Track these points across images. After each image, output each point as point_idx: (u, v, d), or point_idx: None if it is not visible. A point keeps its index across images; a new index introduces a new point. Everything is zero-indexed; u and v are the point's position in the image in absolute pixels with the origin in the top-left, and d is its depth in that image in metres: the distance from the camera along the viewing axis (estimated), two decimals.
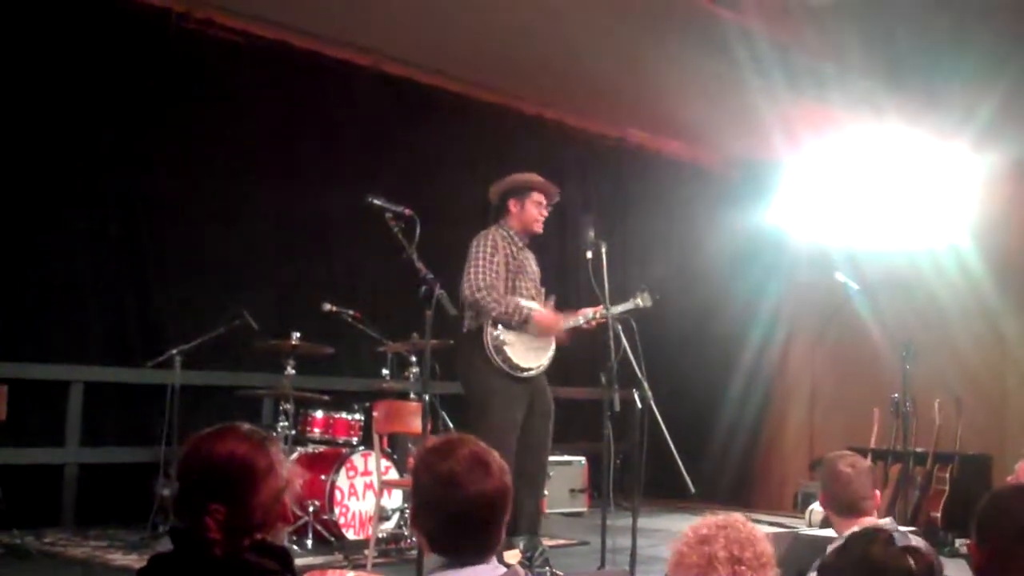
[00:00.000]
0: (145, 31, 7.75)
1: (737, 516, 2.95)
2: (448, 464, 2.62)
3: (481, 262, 6.45)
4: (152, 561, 2.29)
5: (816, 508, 8.24)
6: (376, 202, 5.66)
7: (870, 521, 4.12)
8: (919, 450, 9.01)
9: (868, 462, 4.30)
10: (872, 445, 9.31)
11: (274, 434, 6.58)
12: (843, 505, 4.16)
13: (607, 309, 6.27)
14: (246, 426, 2.42)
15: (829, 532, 4.88)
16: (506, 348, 6.36)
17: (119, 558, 6.31)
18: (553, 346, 6.63)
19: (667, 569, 2.94)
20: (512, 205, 6.67)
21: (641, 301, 6.59)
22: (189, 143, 7.96)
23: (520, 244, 6.68)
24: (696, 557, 2.83)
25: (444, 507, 2.62)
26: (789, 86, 8.68)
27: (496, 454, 2.70)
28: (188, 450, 2.38)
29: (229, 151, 8.13)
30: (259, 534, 2.32)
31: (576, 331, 6.66)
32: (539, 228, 6.71)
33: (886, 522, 4.15)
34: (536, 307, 6.56)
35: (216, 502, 2.30)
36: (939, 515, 8.69)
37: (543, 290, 6.81)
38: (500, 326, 6.38)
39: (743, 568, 2.80)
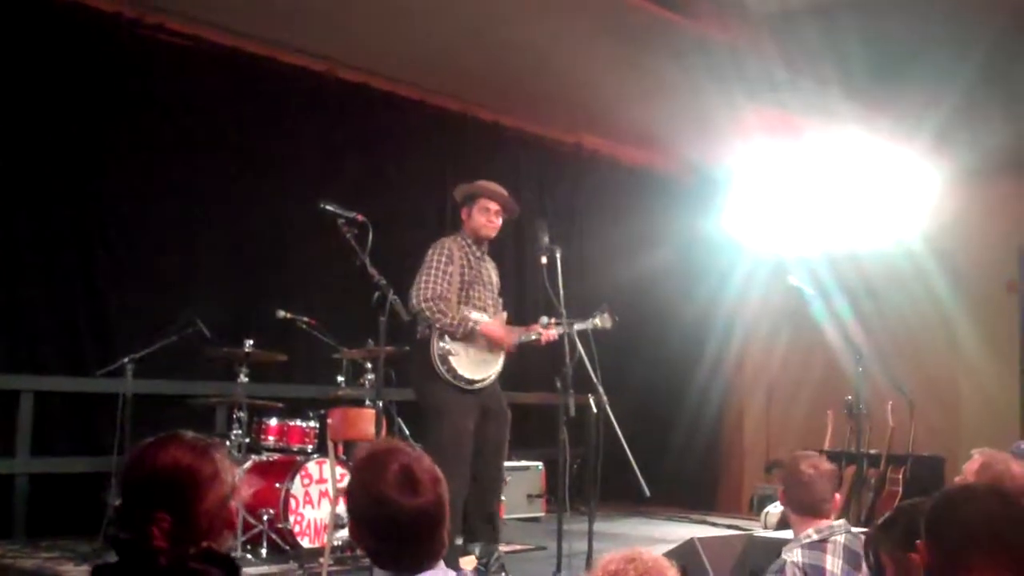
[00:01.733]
0: (96, 36, 7.68)
1: (642, 551, 2.94)
2: (378, 485, 2.60)
3: (432, 272, 6.42)
4: (96, 571, 2.25)
5: (771, 510, 8.29)
6: (328, 208, 5.64)
7: (828, 523, 4.15)
8: (873, 452, 9.10)
9: (830, 465, 4.30)
10: (826, 447, 9.38)
11: (221, 441, 6.51)
12: (803, 505, 4.17)
13: (563, 315, 6.27)
14: (190, 434, 2.40)
15: (784, 534, 4.91)
16: (451, 359, 6.34)
17: (71, 569, 6.23)
18: (501, 358, 6.61)
19: None
20: (463, 213, 6.68)
21: (600, 322, 6.58)
22: (141, 149, 7.88)
23: (478, 253, 6.65)
24: None
25: (379, 526, 2.61)
26: (744, 92, 8.74)
27: (428, 463, 2.68)
28: (131, 459, 2.36)
29: (181, 157, 8.05)
30: (205, 542, 2.30)
31: (528, 345, 6.64)
32: (489, 233, 6.67)
33: (839, 523, 4.18)
34: (485, 319, 6.54)
35: (161, 511, 2.27)
36: None
37: (501, 300, 6.80)
38: (447, 337, 6.36)
39: None
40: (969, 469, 5.02)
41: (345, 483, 6.76)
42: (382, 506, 2.59)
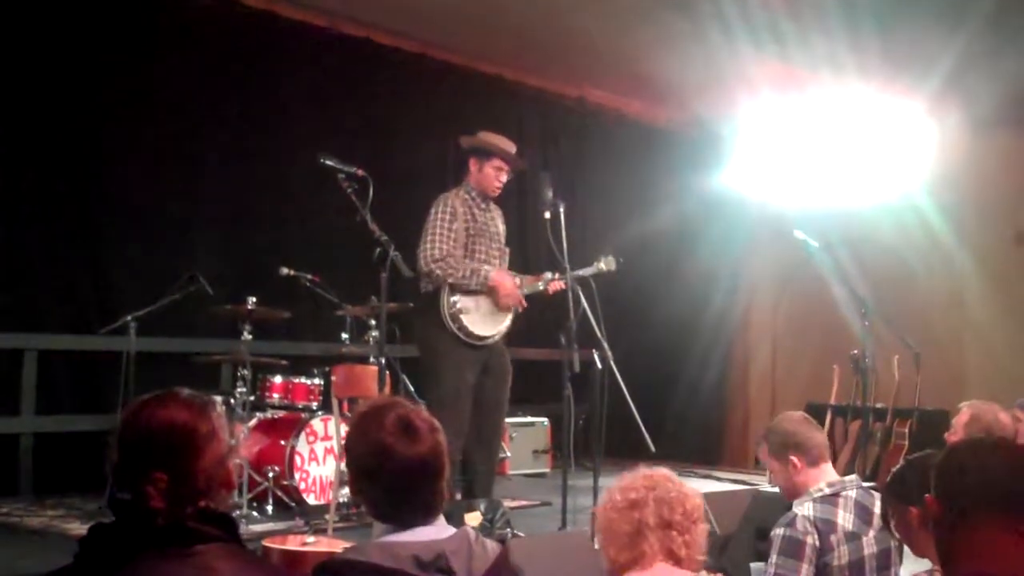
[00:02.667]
0: None
1: (663, 473, 2.96)
2: (377, 434, 2.61)
3: (438, 231, 6.37)
4: (92, 530, 2.23)
5: None
6: (328, 163, 5.60)
7: (839, 478, 4.13)
8: (879, 406, 9.08)
9: (800, 414, 4.34)
10: (832, 401, 9.38)
11: (225, 399, 6.52)
12: (809, 459, 4.14)
13: (566, 270, 6.24)
14: (186, 391, 2.37)
15: None
16: (462, 316, 6.31)
17: (77, 527, 6.22)
18: (511, 313, 6.58)
19: (598, 532, 2.94)
20: (472, 163, 6.60)
21: (605, 265, 6.56)
22: (141, 106, 7.81)
23: (483, 204, 6.60)
24: (626, 525, 2.84)
25: (379, 476, 2.62)
26: (750, 43, 8.64)
27: (425, 414, 2.70)
28: (127, 417, 2.32)
29: (182, 114, 8.00)
30: (203, 501, 2.27)
31: (535, 297, 6.61)
32: (494, 192, 6.62)
33: (851, 478, 4.16)
34: (493, 271, 6.50)
35: (158, 470, 2.25)
36: None
37: (507, 250, 6.76)
38: (458, 293, 6.33)
39: (673, 532, 2.81)
40: (959, 422, 5.03)
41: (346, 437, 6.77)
42: (381, 455, 2.60)
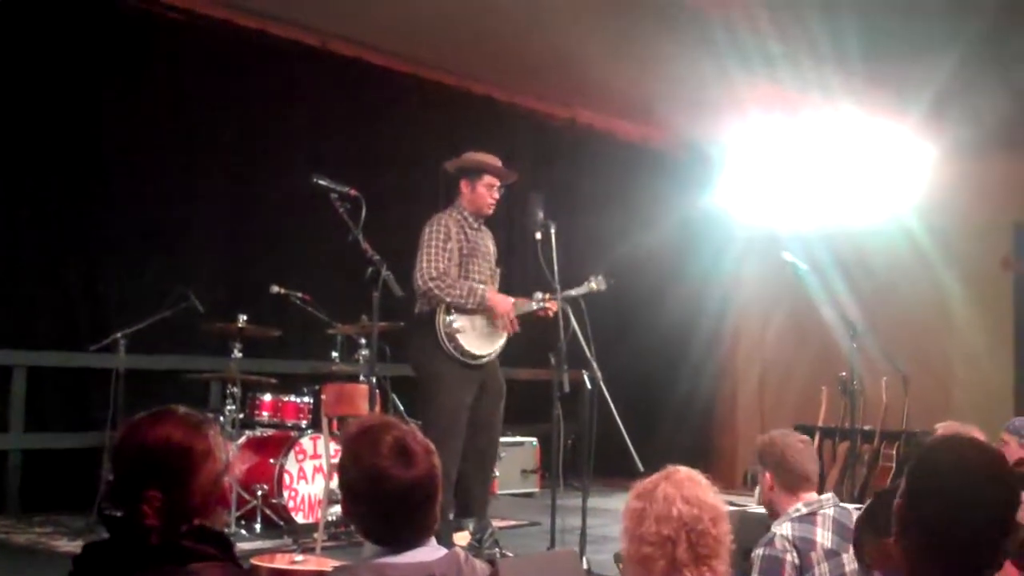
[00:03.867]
0: (91, 8, 7.61)
1: (678, 468, 3.00)
2: (372, 459, 2.59)
3: (433, 250, 6.36)
4: (87, 549, 2.23)
5: None
6: (321, 182, 5.61)
7: (816, 497, 4.15)
8: (866, 428, 9.09)
9: (805, 438, 4.33)
10: (820, 423, 9.39)
11: (214, 417, 6.51)
12: (793, 482, 4.15)
13: (557, 290, 6.25)
14: (182, 409, 2.37)
15: None
16: (459, 336, 6.30)
17: (64, 544, 6.23)
18: (506, 333, 6.59)
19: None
20: (464, 185, 6.59)
21: (596, 285, 6.57)
22: (135, 123, 7.83)
23: (475, 225, 6.59)
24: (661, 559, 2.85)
25: (373, 500, 2.60)
26: (739, 66, 8.70)
27: (420, 436, 2.68)
28: (123, 435, 2.32)
29: (175, 132, 8.02)
30: (197, 519, 2.27)
31: (525, 317, 6.60)
32: (488, 211, 6.62)
33: (827, 497, 4.18)
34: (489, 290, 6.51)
35: (152, 488, 2.24)
36: None
37: (498, 271, 6.76)
38: (454, 312, 6.32)
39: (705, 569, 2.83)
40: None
41: (340, 458, 6.76)
42: (376, 479, 2.58)
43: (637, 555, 2.90)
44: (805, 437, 4.31)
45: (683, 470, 3.04)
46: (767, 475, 4.19)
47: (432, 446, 2.68)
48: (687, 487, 2.95)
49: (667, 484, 2.96)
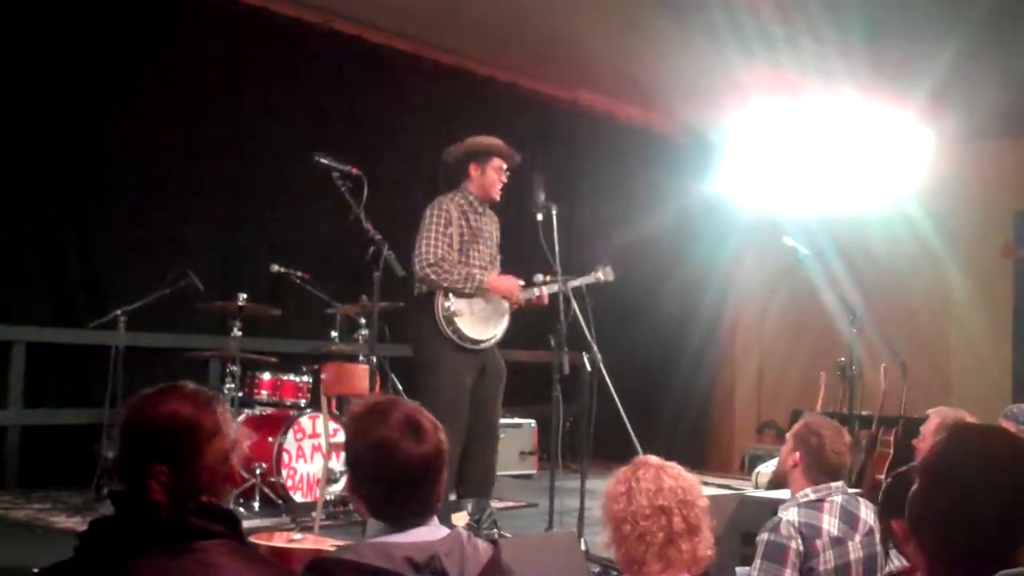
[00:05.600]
0: None
1: (649, 457, 3.06)
2: (381, 431, 2.60)
3: (432, 235, 6.32)
4: (93, 525, 2.22)
5: (763, 470, 8.31)
6: (323, 161, 5.58)
7: (825, 484, 4.14)
8: (865, 413, 9.10)
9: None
10: (818, 408, 9.39)
11: (221, 394, 6.51)
12: (823, 471, 4.12)
13: (558, 272, 6.24)
14: (191, 385, 2.35)
15: (775, 494, 4.92)
16: (457, 320, 6.28)
17: (63, 520, 6.22)
18: (506, 318, 6.54)
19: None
20: (473, 169, 6.51)
21: (603, 275, 6.55)
22: (134, 100, 7.79)
23: (480, 209, 6.54)
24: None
25: (380, 474, 2.61)
26: (741, 50, 8.68)
27: (428, 414, 2.69)
28: (130, 410, 2.31)
29: (175, 110, 7.98)
30: (205, 496, 2.25)
31: (530, 303, 6.56)
32: (497, 195, 6.56)
33: (837, 485, 4.18)
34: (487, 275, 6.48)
35: (159, 464, 2.23)
36: (884, 477, 8.80)
37: (499, 257, 6.73)
38: (451, 296, 6.30)
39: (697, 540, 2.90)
40: (927, 429, 5.05)
41: (338, 438, 6.77)
42: (386, 451, 2.59)
43: (633, 533, 2.94)
44: (848, 439, 4.26)
45: (653, 459, 3.12)
46: (796, 453, 4.15)
47: (440, 425, 2.69)
48: (665, 468, 3.04)
49: (644, 468, 3.04)
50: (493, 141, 6.59)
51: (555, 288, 6.35)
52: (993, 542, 2.15)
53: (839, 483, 4.17)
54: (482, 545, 2.75)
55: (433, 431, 2.65)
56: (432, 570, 2.58)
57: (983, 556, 2.14)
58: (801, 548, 3.94)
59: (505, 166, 6.55)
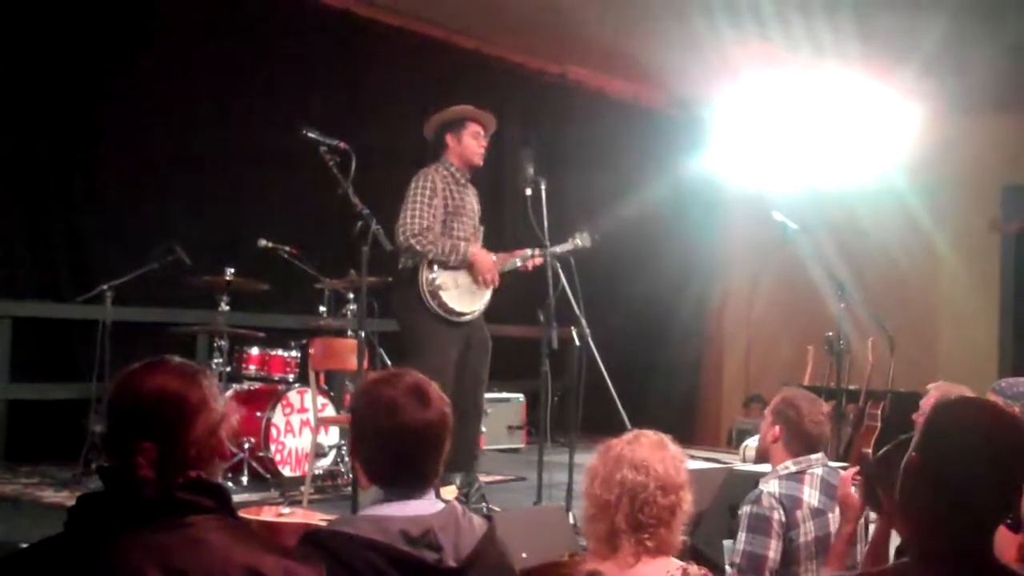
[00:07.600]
0: None
1: (643, 432, 3.04)
2: (389, 393, 2.62)
3: (417, 205, 6.29)
4: (81, 501, 2.21)
5: (750, 444, 8.33)
6: (310, 135, 5.56)
7: (806, 456, 4.16)
8: (852, 388, 9.12)
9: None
10: (806, 382, 9.42)
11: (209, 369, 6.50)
12: (803, 445, 4.16)
13: (546, 247, 6.24)
14: (177, 359, 2.33)
15: (763, 468, 4.93)
16: (441, 293, 6.26)
17: (50, 495, 6.23)
18: (490, 290, 6.55)
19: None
20: (449, 139, 6.51)
21: (581, 241, 6.56)
22: (121, 74, 7.74)
23: (463, 180, 6.53)
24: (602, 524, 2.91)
25: (383, 435, 2.62)
26: (730, 23, 8.65)
27: (436, 385, 2.70)
28: (117, 385, 2.29)
29: (161, 83, 7.92)
30: (194, 471, 2.24)
31: (512, 273, 6.58)
32: (479, 160, 6.55)
33: (817, 457, 4.20)
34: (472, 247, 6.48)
35: (147, 439, 2.21)
36: (870, 451, 8.83)
37: (482, 228, 6.72)
38: (436, 268, 6.28)
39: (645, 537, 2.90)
40: (927, 404, 5.06)
41: (327, 412, 6.77)
42: (392, 413, 2.61)
43: (586, 514, 2.96)
44: (826, 408, 4.30)
45: (651, 434, 3.08)
46: (776, 428, 4.19)
47: (446, 397, 2.71)
48: (641, 453, 2.98)
49: (624, 447, 3.01)
50: (464, 107, 6.56)
51: (539, 259, 6.34)
52: (981, 511, 2.18)
53: (819, 455, 4.20)
54: (477, 520, 2.75)
55: (439, 401, 2.68)
56: (427, 544, 2.59)
57: (971, 525, 2.17)
58: (783, 519, 3.98)
59: (482, 131, 6.52)
